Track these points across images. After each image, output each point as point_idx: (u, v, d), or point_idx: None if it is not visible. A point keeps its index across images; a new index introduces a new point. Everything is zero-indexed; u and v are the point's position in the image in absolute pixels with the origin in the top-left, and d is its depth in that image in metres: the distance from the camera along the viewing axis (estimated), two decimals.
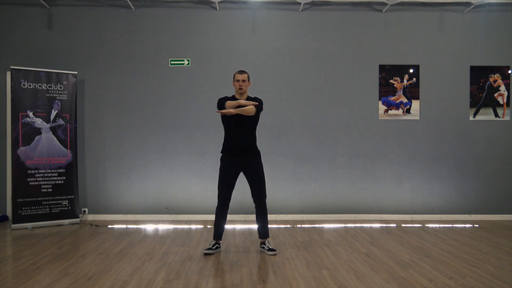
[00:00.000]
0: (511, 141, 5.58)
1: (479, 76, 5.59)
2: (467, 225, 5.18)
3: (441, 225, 5.19)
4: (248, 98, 3.88)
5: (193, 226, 5.08)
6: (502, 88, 5.59)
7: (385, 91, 5.58)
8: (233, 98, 3.87)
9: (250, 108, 3.66)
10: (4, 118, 5.39)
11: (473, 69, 5.59)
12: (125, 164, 5.48)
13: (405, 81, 5.59)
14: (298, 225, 5.14)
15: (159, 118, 5.50)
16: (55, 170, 5.11)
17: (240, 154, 3.81)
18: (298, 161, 5.54)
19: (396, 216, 5.55)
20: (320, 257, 3.77)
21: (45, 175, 5.04)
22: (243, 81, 3.81)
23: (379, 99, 5.58)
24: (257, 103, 3.73)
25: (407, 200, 5.57)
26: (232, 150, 3.82)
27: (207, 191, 5.41)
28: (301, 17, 5.56)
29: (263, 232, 3.94)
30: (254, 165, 3.85)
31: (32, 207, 4.95)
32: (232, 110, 3.59)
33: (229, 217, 4.05)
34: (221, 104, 3.77)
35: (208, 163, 5.44)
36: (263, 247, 3.95)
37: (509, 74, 5.60)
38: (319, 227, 5.06)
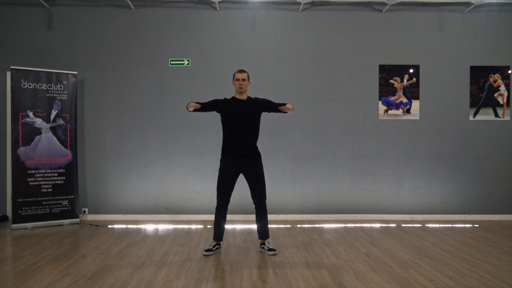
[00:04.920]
0: (511, 141, 5.58)
1: (479, 76, 5.59)
2: (467, 225, 5.18)
3: (441, 225, 5.19)
4: (249, 98, 3.88)
5: (193, 226, 5.08)
6: (502, 88, 5.59)
7: (385, 91, 5.58)
8: (232, 99, 3.88)
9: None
10: (4, 118, 5.39)
11: (473, 69, 5.59)
12: (125, 164, 5.48)
13: (405, 81, 5.59)
14: (298, 225, 5.14)
15: (159, 118, 5.50)
16: (55, 170, 5.11)
17: (240, 155, 3.79)
18: (298, 161, 5.54)
19: (396, 216, 5.55)
20: (320, 257, 3.77)
21: (45, 175, 5.04)
22: (243, 80, 3.80)
23: (379, 99, 5.58)
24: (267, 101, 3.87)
25: (407, 200, 5.57)
26: (232, 151, 3.80)
27: (207, 191, 5.41)
28: (301, 17, 5.56)
29: (263, 233, 3.94)
30: (254, 166, 3.83)
31: (32, 207, 4.95)
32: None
33: (229, 217, 4.06)
34: (211, 103, 3.82)
35: (208, 163, 5.44)
36: (263, 247, 3.95)
37: (509, 74, 5.60)
38: (319, 227, 5.06)
